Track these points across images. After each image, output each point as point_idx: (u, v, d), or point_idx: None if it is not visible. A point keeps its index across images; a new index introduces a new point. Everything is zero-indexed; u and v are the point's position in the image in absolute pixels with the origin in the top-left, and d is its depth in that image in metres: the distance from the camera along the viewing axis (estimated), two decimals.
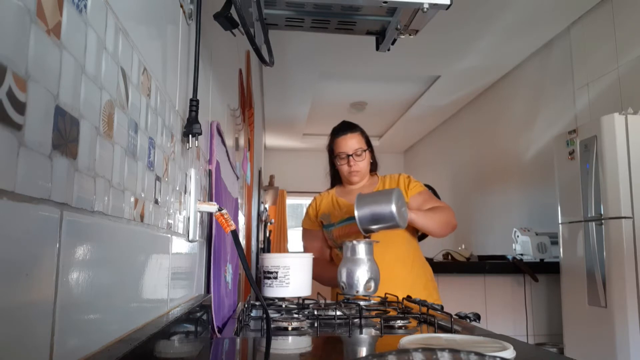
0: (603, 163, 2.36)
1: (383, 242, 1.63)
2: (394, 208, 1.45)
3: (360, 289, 1.46)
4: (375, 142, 7.47)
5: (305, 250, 1.92)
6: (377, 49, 1.13)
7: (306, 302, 1.41)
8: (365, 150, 1.78)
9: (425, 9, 0.90)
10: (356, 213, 1.48)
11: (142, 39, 0.57)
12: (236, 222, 1.46)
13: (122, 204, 0.49)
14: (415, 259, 1.78)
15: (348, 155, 1.76)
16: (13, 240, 0.29)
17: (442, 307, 1.19)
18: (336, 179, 1.91)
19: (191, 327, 0.74)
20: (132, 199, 0.52)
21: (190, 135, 0.80)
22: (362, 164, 1.78)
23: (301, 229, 1.97)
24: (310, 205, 1.95)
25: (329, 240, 1.84)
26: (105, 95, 0.44)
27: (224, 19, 0.91)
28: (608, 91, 3.00)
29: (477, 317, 1.14)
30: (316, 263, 1.53)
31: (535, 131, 3.84)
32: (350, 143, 1.76)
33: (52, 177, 0.34)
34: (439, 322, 1.07)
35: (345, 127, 1.81)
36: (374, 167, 1.87)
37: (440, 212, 1.71)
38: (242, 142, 2.05)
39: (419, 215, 1.64)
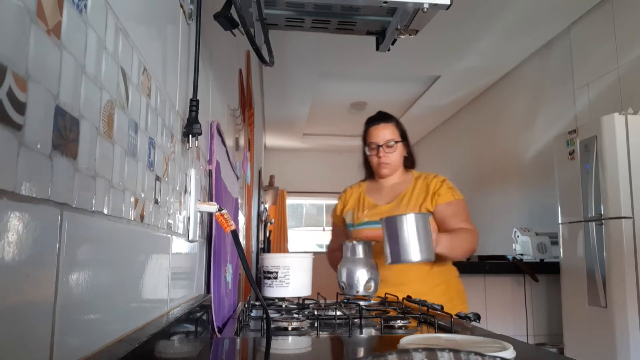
0: (603, 163, 2.36)
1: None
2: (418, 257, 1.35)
3: (360, 289, 1.46)
4: None
5: (331, 243, 1.91)
6: (377, 49, 1.13)
7: (306, 302, 1.41)
8: (397, 142, 1.69)
9: (425, 9, 0.90)
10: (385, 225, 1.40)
11: (142, 39, 0.57)
12: (236, 222, 1.46)
13: (122, 204, 0.49)
14: (434, 263, 1.63)
15: (378, 146, 1.69)
16: (13, 240, 0.29)
17: (442, 307, 1.19)
18: (370, 170, 1.83)
19: (191, 327, 0.74)
20: (132, 199, 0.52)
21: (190, 135, 0.80)
22: (392, 156, 1.70)
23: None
24: (339, 197, 1.89)
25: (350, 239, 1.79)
26: (105, 95, 0.44)
27: (224, 19, 0.91)
28: (608, 91, 3.00)
29: (477, 317, 1.14)
30: (336, 258, 1.59)
31: (535, 131, 3.84)
32: (382, 133, 1.69)
33: (52, 177, 0.34)
34: (439, 322, 1.07)
35: (379, 117, 1.75)
36: (409, 163, 1.77)
37: (465, 238, 1.58)
38: (242, 142, 2.05)
39: (443, 243, 1.49)
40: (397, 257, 1.34)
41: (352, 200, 1.83)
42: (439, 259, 1.64)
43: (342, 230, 1.85)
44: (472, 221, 1.69)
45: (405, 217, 1.34)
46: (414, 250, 1.32)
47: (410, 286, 1.60)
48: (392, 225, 1.35)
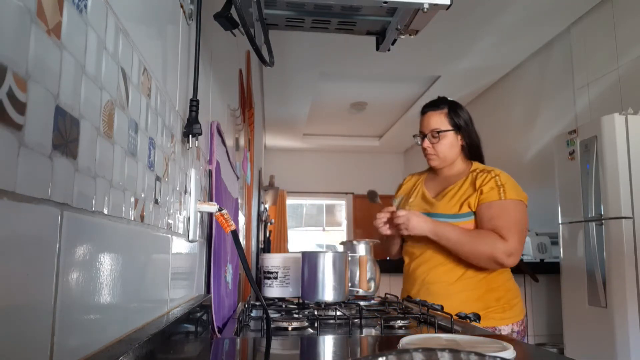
0: (603, 163, 2.36)
1: (427, 242, 1.50)
2: None
3: (360, 289, 1.46)
4: (375, 142, 7.40)
5: None
6: (377, 49, 1.13)
7: (306, 302, 1.41)
8: (443, 132, 1.55)
9: (425, 9, 0.90)
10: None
11: (142, 39, 0.57)
12: (236, 222, 1.46)
13: (122, 204, 0.49)
14: (473, 265, 1.47)
15: (424, 136, 1.59)
16: (13, 240, 0.29)
17: (442, 307, 1.19)
18: None
19: (191, 327, 0.74)
20: (132, 199, 0.52)
21: (190, 136, 0.80)
22: (439, 146, 1.56)
23: None
24: (400, 183, 1.82)
25: None
26: (106, 95, 0.44)
27: (224, 19, 0.91)
28: (608, 91, 3.00)
29: (477, 317, 1.14)
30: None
31: (535, 131, 3.84)
32: (427, 122, 1.58)
33: (52, 177, 0.34)
34: (439, 322, 1.07)
35: (430, 103, 1.62)
36: (471, 153, 1.61)
37: (482, 241, 1.40)
38: (242, 142, 2.05)
39: (442, 236, 1.40)
40: (309, 294, 1.29)
41: (407, 186, 1.76)
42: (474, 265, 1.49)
43: None
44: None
45: (323, 255, 1.29)
46: (328, 290, 1.27)
47: (437, 286, 1.50)
48: (311, 261, 1.29)
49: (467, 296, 1.46)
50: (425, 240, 1.52)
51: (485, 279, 1.48)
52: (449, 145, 1.56)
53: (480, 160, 1.63)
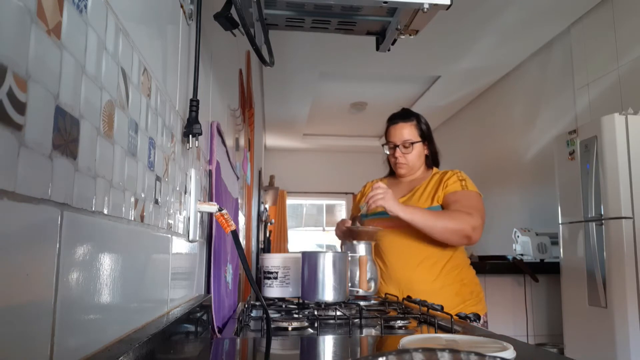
0: (603, 163, 2.36)
1: (407, 242, 1.60)
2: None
3: (360, 289, 1.45)
4: (375, 142, 7.42)
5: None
6: (377, 49, 1.13)
7: (306, 302, 1.41)
8: (415, 143, 1.67)
9: (425, 9, 0.90)
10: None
11: (142, 39, 0.57)
12: (236, 222, 1.46)
13: (122, 204, 0.49)
14: (448, 262, 1.61)
15: (395, 146, 1.69)
16: (13, 240, 0.29)
17: (442, 307, 1.19)
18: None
19: (191, 327, 0.74)
20: (132, 199, 0.52)
21: (190, 136, 0.80)
22: (410, 156, 1.68)
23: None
24: (360, 190, 1.91)
25: None
26: (106, 95, 0.44)
27: (224, 19, 0.91)
28: (608, 91, 3.00)
29: (477, 317, 1.14)
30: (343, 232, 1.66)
31: (535, 131, 3.84)
32: (400, 133, 1.67)
33: (52, 177, 0.34)
34: (439, 323, 1.07)
35: (399, 115, 1.72)
36: (432, 161, 1.75)
37: (451, 217, 1.51)
38: (242, 142, 2.05)
39: (414, 215, 1.48)
40: (309, 294, 1.28)
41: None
42: (451, 259, 1.62)
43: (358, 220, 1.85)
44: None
45: (323, 255, 1.29)
46: (328, 290, 1.27)
47: (420, 285, 1.58)
48: (311, 261, 1.28)
49: (448, 291, 1.57)
50: (399, 243, 1.62)
51: (458, 275, 1.61)
52: (418, 155, 1.70)
53: (437, 166, 1.76)
